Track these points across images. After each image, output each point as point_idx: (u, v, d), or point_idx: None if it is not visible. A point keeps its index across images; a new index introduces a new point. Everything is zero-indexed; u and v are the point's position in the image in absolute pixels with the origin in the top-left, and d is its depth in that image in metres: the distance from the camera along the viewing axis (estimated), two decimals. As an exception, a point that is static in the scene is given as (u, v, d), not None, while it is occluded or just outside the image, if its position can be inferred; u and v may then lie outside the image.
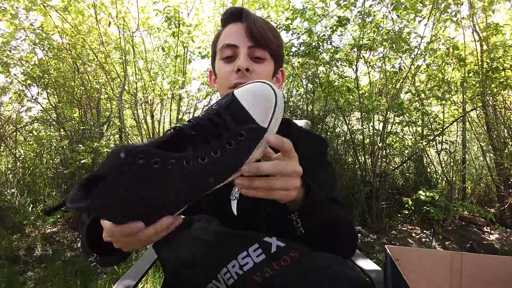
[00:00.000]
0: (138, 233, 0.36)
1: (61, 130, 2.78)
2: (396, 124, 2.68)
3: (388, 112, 2.53)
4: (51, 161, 2.96)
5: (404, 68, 2.72)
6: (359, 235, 2.58)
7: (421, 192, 2.28)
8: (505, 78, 2.48)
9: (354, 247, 0.65)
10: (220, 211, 0.61)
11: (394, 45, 2.54)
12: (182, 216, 0.60)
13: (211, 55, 0.74)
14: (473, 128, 3.15)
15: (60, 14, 2.52)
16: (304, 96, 3.28)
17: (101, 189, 0.31)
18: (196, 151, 0.35)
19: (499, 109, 2.79)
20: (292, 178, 0.42)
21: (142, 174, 0.32)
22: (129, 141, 2.80)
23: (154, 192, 0.33)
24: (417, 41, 2.56)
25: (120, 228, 0.35)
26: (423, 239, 2.52)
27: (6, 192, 2.76)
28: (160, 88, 2.90)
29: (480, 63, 2.66)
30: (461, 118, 2.88)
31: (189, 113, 3.08)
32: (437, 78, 2.69)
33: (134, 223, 0.35)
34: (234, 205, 0.65)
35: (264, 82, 0.40)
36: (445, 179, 2.87)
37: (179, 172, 0.34)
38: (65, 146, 2.57)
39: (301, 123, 1.08)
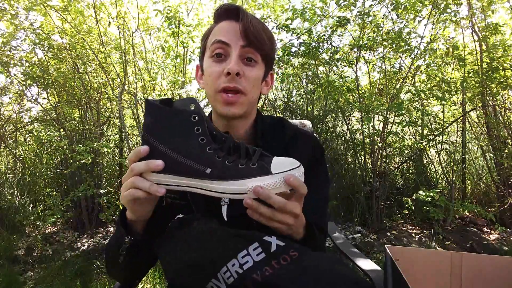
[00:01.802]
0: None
1: (61, 130, 2.78)
2: (396, 124, 2.68)
3: (388, 112, 2.53)
4: (51, 161, 2.95)
5: (404, 68, 2.72)
6: (359, 234, 2.59)
7: (421, 192, 2.28)
8: (505, 78, 2.48)
9: None
10: (211, 215, 0.61)
11: (394, 45, 2.53)
12: (182, 215, 0.60)
13: (200, 50, 0.71)
14: (473, 128, 3.15)
15: (60, 14, 2.52)
16: (304, 96, 3.28)
17: None
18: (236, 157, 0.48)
19: (499, 109, 2.78)
20: (288, 216, 0.49)
21: None
22: (129, 141, 2.80)
23: None
24: (417, 41, 2.56)
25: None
26: (423, 239, 2.52)
27: (6, 192, 2.76)
28: (160, 88, 2.90)
29: (479, 63, 2.67)
30: (461, 118, 2.88)
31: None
32: (437, 78, 2.69)
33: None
34: (224, 210, 0.65)
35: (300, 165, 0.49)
36: (445, 179, 2.87)
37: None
38: (65, 146, 2.57)
39: (301, 123, 1.08)
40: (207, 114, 0.77)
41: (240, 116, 0.65)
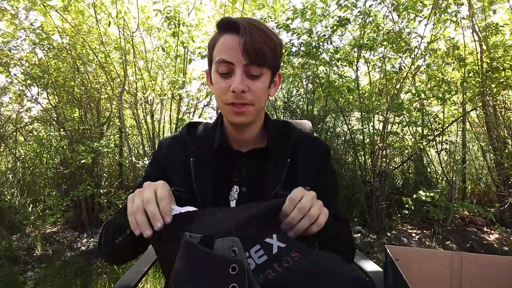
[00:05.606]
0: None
1: (61, 130, 2.78)
2: (396, 124, 2.68)
3: (388, 112, 2.53)
4: (51, 161, 2.95)
5: (404, 68, 2.72)
6: (359, 234, 2.59)
7: (421, 192, 2.28)
8: (505, 78, 2.48)
9: (351, 262, 0.79)
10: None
11: (394, 45, 2.53)
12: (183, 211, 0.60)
13: (208, 58, 0.73)
14: (473, 128, 3.15)
15: (60, 14, 2.51)
16: (304, 96, 3.28)
17: None
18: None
19: (499, 109, 2.78)
20: (318, 209, 0.56)
21: None
22: (129, 141, 2.79)
23: None
24: (417, 41, 2.56)
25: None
26: (423, 239, 2.52)
27: (6, 192, 2.75)
28: (160, 88, 2.89)
29: (480, 63, 2.66)
30: (461, 118, 2.88)
31: (189, 113, 3.07)
32: (437, 78, 2.69)
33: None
34: (233, 205, 0.66)
35: None
36: (445, 179, 2.87)
37: None
38: (65, 146, 2.57)
39: (302, 123, 1.08)
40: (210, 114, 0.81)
41: (249, 123, 0.70)
